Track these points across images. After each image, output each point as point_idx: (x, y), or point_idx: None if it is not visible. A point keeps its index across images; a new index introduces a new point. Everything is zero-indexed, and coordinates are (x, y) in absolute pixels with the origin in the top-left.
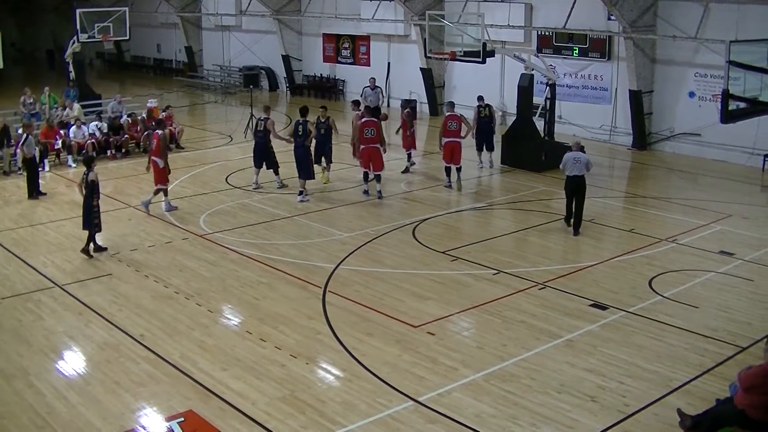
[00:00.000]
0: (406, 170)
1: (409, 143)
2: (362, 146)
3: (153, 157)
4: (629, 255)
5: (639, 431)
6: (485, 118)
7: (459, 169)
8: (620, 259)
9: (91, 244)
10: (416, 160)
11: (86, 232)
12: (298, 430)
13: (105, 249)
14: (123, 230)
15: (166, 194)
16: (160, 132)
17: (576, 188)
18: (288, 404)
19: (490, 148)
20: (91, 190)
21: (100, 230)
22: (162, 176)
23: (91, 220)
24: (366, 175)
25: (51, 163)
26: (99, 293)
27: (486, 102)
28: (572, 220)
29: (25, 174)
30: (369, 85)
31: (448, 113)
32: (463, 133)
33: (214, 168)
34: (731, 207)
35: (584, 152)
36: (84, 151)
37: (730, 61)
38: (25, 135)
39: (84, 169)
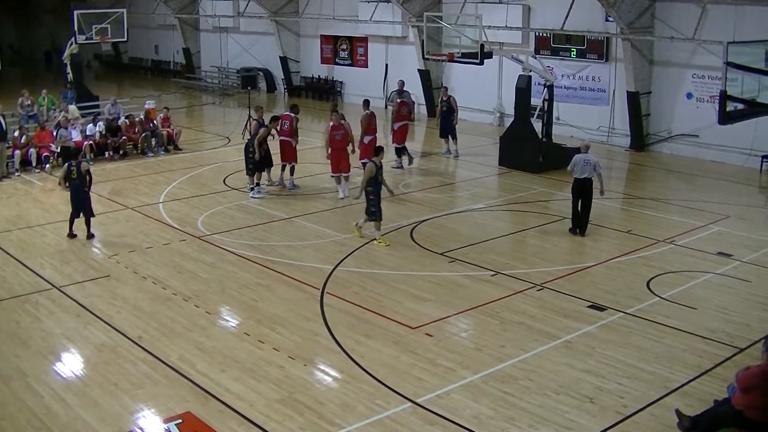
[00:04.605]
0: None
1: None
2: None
3: (285, 137)
4: (627, 256)
5: None
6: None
7: (405, 148)
8: (618, 261)
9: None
10: (413, 162)
11: (79, 222)
12: None
13: (93, 236)
14: (121, 232)
15: (292, 172)
16: (292, 115)
17: (583, 191)
18: (286, 406)
19: (453, 136)
20: (89, 179)
21: (94, 215)
22: (293, 154)
23: (89, 205)
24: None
25: (52, 165)
26: (97, 295)
27: (449, 94)
28: (578, 225)
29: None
30: (398, 88)
31: (400, 100)
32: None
33: (211, 169)
34: (729, 208)
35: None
36: (82, 152)
37: (728, 62)
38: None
39: (70, 162)
